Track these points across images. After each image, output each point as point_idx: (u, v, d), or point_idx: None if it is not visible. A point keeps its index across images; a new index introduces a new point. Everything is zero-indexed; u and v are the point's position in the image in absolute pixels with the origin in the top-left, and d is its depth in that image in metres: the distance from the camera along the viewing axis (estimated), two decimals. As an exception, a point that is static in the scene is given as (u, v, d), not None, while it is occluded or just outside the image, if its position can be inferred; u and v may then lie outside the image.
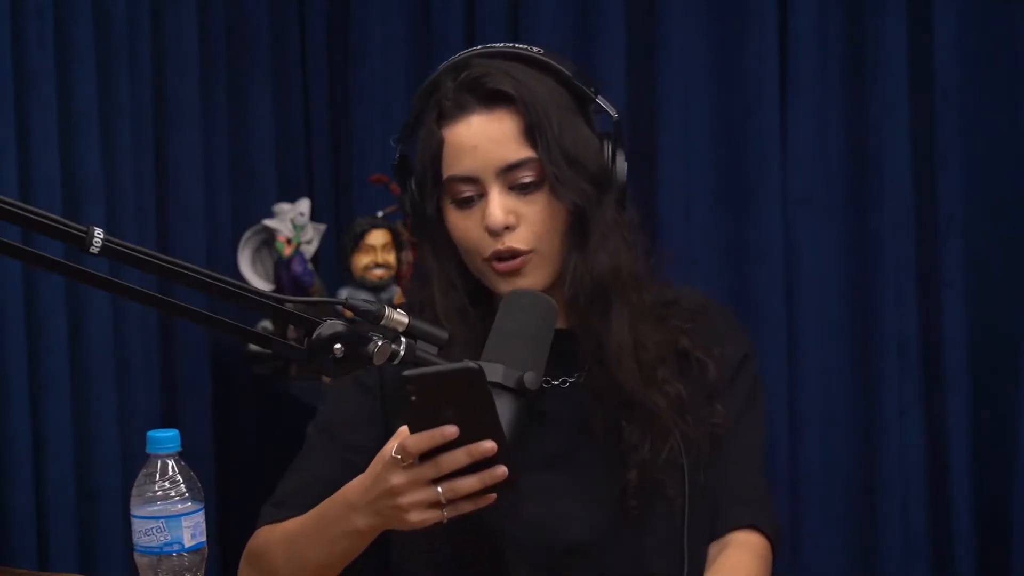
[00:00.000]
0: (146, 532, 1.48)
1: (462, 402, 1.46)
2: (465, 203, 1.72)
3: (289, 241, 3.26)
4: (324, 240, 3.35)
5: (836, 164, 3.20)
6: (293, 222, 3.28)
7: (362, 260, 3.16)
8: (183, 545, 1.49)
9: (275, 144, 3.49)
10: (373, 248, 3.16)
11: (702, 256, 3.15)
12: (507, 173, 1.70)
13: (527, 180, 1.70)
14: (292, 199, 3.34)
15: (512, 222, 1.70)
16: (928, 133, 3.13)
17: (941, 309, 3.14)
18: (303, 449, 1.83)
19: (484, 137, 1.69)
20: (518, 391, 1.54)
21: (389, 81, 3.45)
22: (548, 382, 1.79)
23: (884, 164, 3.15)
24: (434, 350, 1.55)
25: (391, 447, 1.52)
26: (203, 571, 1.51)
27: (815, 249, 3.21)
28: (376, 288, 3.15)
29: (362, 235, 3.16)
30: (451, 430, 1.46)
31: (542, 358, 1.59)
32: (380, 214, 3.23)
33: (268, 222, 3.30)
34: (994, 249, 3.14)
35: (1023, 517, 3.01)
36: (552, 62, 1.72)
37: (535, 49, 1.73)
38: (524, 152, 1.69)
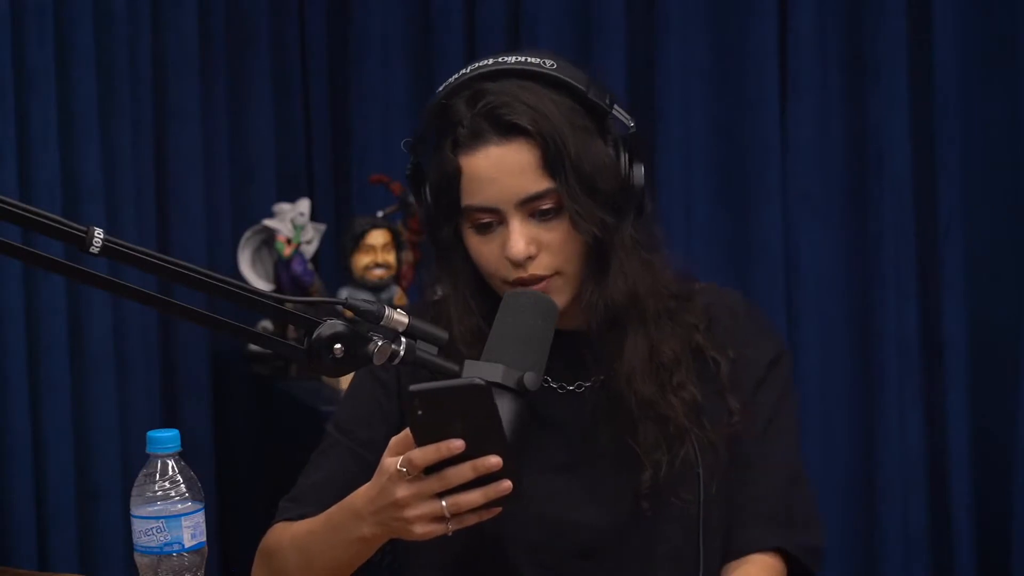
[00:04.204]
0: (146, 532, 1.48)
1: (468, 417, 1.46)
2: (485, 228, 1.71)
3: (289, 241, 3.26)
4: (324, 240, 3.35)
5: (836, 164, 3.21)
6: (293, 222, 3.28)
7: (362, 260, 3.15)
8: (183, 545, 1.49)
9: (275, 144, 3.48)
10: (373, 248, 3.15)
11: (702, 256, 3.15)
12: (527, 203, 1.69)
13: (547, 208, 1.69)
14: (292, 199, 3.34)
15: (533, 252, 1.69)
16: (928, 133, 3.13)
17: (941, 309, 3.14)
18: (321, 445, 1.83)
19: (502, 169, 1.68)
20: (518, 391, 1.54)
21: (389, 81, 3.45)
22: (563, 387, 1.79)
23: (884, 164, 3.15)
24: (434, 350, 1.55)
25: (393, 459, 1.52)
26: (203, 571, 1.51)
27: (815, 249, 3.21)
28: (376, 288, 3.15)
29: (362, 235, 3.16)
30: (457, 444, 1.46)
31: (542, 358, 1.59)
32: (380, 214, 3.23)
33: (268, 222, 3.30)
34: (994, 249, 3.15)
35: (1023, 517, 3.01)
36: (566, 78, 1.70)
37: (548, 63, 1.70)
38: (543, 183, 1.68)
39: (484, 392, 1.44)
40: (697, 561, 1.74)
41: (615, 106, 1.73)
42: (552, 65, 1.70)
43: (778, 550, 1.77)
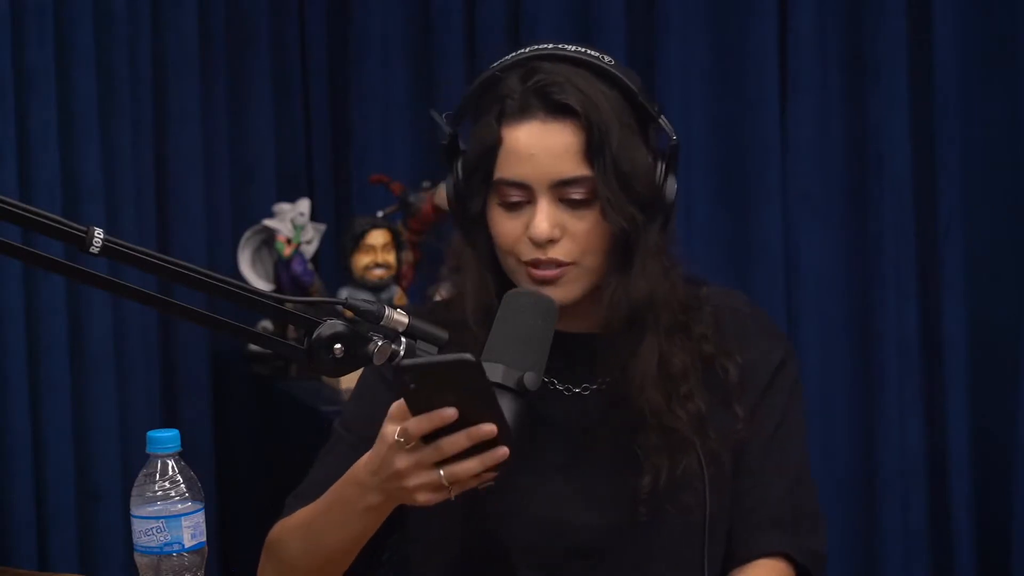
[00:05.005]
0: (146, 532, 1.48)
1: (459, 389, 1.47)
2: (512, 207, 1.71)
3: (289, 241, 3.26)
4: (324, 240, 3.35)
5: (836, 164, 3.21)
6: (293, 222, 3.28)
7: (362, 260, 3.15)
8: (183, 545, 1.49)
9: (275, 144, 3.48)
10: (373, 248, 3.15)
11: (702, 256, 3.15)
12: (560, 187, 1.68)
13: (578, 197, 1.69)
14: (292, 199, 3.34)
15: (557, 235, 1.68)
16: (928, 133, 3.13)
17: (941, 309, 3.14)
18: (327, 443, 1.83)
19: (543, 147, 1.68)
20: (518, 391, 1.54)
21: (389, 81, 3.45)
22: (569, 389, 1.78)
23: (884, 164, 3.15)
24: (434, 350, 1.55)
25: (392, 428, 1.53)
26: (203, 571, 1.51)
27: (815, 249, 3.21)
28: (376, 288, 3.15)
29: (362, 235, 3.16)
30: (450, 412, 1.47)
31: (542, 358, 1.59)
32: (380, 214, 3.23)
33: (268, 222, 3.30)
34: (994, 249, 3.15)
35: (1023, 517, 3.01)
36: (621, 76, 1.71)
37: (606, 59, 1.71)
38: (580, 169, 1.68)
39: (473, 367, 1.45)
40: (697, 566, 1.74)
41: (662, 116, 1.73)
42: (610, 61, 1.72)
43: (784, 554, 1.77)
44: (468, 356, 1.45)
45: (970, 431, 3.14)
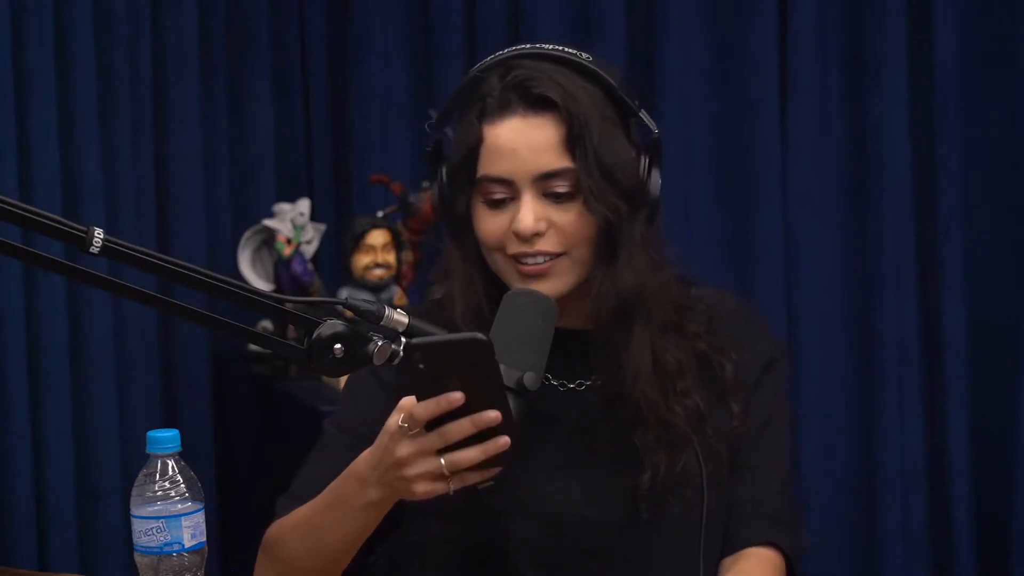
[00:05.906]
0: (146, 532, 1.48)
1: (467, 371, 1.47)
2: (496, 204, 1.71)
3: (289, 241, 3.26)
4: (324, 240, 3.35)
5: (836, 164, 3.21)
6: (293, 222, 3.28)
7: (362, 260, 3.15)
8: (183, 545, 1.49)
9: (275, 144, 3.48)
10: (373, 248, 3.16)
11: (702, 256, 3.15)
12: (543, 181, 1.69)
13: (562, 190, 1.69)
14: (292, 199, 3.34)
15: (542, 228, 1.69)
16: (928, 133, 3.13)
17: (941, 309, 3.14)
18: (319, 443, 1.83)
19: (524, 141, 1.69)
20: (518, 391, 1.54)
21: (389, 81, 3.45)
22: (564, 384, 1.79)
23: (884, 164, 3.15)
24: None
25: (396, 419, 1.53)
26: (203, 571, 1.51)
27: (815, 249, 3.21)
28: (376, 288, 3.15)
29: (362, 235, 3.16)
30: (457, 396, 1.47)
31: (542, 358, 1.59)
32: (380, 214, 3.23)
33: (268, 222, 3.30)
34: (994, 249, 3.15)
35: (1023, 517, 3.01)
36: (599, 71, 1.71)
37: (584, 56, 1.72)
38: (562, 162, 1.69)
39: (485, 346, 1.45)
40: (697, 563, 1.75)
41: (643, 110, 1.73)
42: (588, 58, 1.72)
43: (772, 545, 1.78)
44: (479, 335, 1.46)
45: (970, 431, 3.14)
